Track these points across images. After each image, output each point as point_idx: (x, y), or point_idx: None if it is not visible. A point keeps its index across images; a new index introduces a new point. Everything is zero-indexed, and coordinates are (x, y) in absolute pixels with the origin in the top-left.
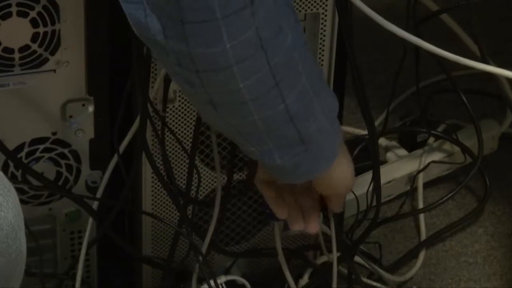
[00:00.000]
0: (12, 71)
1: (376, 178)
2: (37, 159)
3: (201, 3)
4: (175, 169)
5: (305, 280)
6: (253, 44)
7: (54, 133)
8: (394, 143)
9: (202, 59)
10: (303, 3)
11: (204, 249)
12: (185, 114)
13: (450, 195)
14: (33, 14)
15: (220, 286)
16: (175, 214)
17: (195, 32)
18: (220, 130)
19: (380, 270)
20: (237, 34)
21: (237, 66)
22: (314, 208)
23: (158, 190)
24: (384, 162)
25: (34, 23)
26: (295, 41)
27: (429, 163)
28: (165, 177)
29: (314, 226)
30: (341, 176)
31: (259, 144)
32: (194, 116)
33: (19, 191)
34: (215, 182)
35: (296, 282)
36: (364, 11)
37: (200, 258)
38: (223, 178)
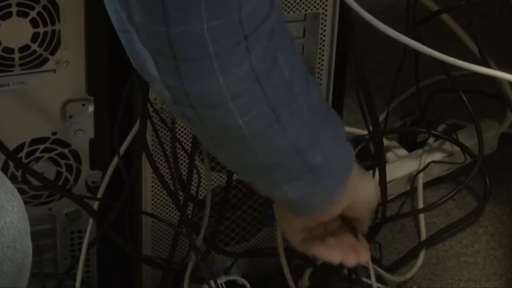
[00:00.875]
0: (12, 71)
1: (382, 179)
2: (37, 159)
3: (193, 40)
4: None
5: (305, 280)
6: (248, 79)
7: (54, 133)
8: (394, 143)
9: (197, 95)
10: (303, 3)
11: (199, 242)
12: None
13: (450, 195)
14: (33, 14)
15: (220, 286)
16: (175, 214)
17: (189, 69)
18: (226, 165)
19: (380, 270)
20: (231, 69)
21: (233, 102)
22: (353, 239)
23: (158, 190)
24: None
25: (34, 23)
26: (293, 73)
27: (429, 163)
28: (167, 177)
29: (366, 255)
30: (365, 195)
31: (267, 178)
32: None
33: (19, 191)
34: (215, 182)
35: (296, 282)
36: (363, 16)
37: (197, 257)
38: (223, 178)
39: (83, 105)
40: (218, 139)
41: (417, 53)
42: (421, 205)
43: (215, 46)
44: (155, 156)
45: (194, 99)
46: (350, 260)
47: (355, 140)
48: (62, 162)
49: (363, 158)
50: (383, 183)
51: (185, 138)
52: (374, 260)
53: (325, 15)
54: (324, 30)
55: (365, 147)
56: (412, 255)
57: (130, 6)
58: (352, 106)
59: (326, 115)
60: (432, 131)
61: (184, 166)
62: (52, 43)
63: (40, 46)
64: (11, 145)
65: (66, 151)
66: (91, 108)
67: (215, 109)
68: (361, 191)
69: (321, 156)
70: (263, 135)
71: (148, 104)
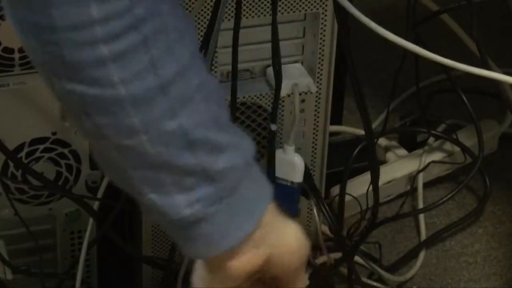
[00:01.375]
0: (12, 71)
1: (374, 179)
2: (37, 159)
3: None
4: None
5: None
6: (125, 18)
7: (54, 133)
8: (394, 143)
9: (62, 25)
10: (303, 3)
11: None
12: None
13: (450, 195)
14: None
15: None
16: None
17: None
18: (104, 165)
19: (380, 270)
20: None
21: (106, 46)
22: None
23: None
24: (384, 162)
25: None
26: (182, 37)
27: (429, 163)
28: None
29: None
30: (288, 242)
31: (155, 183)
32: None
33: (19, 191)
34: None
35: None
36: (362, 20)
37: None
38: None
39: None
40: (91, 108)
41: (417, 53)
42: (421, 205)
43: None
44: None
45: (59, 35)
46: None
47: (355, 140)
48: (62, 162)
49: (363, 158)
50: (375, 184)
51: None
52: (374, 260)
53: (325, 15)
54: (324, 30)
55: (365, 147)
56: (412, 255)
57: None
58: (352, 106)
59: (230, 122)
60: (432, 131)
61: None
62: None
63: None
64: (11, 145)
65: (66, 151)
66: None
67: (84, 50)
68: (283, 237)
69: (223, 162)
70: (145, 104)
71: None
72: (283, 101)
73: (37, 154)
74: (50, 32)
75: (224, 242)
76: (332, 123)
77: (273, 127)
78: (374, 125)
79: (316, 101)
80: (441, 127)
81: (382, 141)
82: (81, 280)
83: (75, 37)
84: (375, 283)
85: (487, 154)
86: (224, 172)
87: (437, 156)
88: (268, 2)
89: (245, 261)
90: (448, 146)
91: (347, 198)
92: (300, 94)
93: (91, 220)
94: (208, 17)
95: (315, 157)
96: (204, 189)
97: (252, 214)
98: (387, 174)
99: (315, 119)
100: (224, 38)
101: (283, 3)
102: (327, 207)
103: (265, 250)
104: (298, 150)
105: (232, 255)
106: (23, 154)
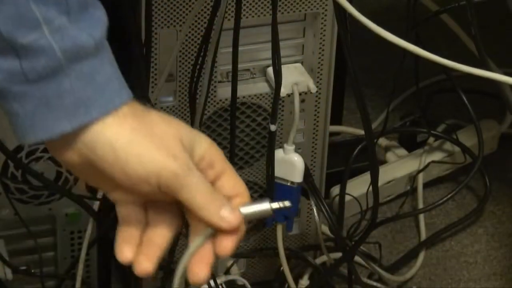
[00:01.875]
0: None
1: (374, 179)
2: (37, 159)
3: None
4: None
5: (305, 280)
6: None
7: None
8: (394, 143)
9: None
10: (303, 3)
11: None
12: (184, 114)
13: (450, 195)
14: None
15: (220, 286)
16: None
17: None
18: None
19: (380, 270)
20: None
21: None
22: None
23: None
24: (384, 162)
25: None
26: None
27: (429, 163)
28: None
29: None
30: (136, 151)
31: None
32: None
33: (19, 191)
34: None
35: (296, 282)
36: (361, 20)
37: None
38: None
39: None
40: None
41: (416, 54)
42: (421, 205)
43: None
44: None
45: None
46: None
47: (355, 140)
48: None
49: (363, 158)
50: (375, 184)
51: None
52: (374, 260)
53: (325, 15)
54: (324, 30)
55: (365, 147)
56: (412, 255)
57: None
58: (352, 106)
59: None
60: (432, 131)
61: None
62: None
63: None
64: (11, 145)
65: None
66: None
67: None
68: (128, 141)
69: (31, 38)
70: None
71: (148, 104)
72: (283, 101)
73: (37, 154)
74: None
75: (35, 133)
76: (332, 123)
77: (273, 127)
78: (374, 125)
79: (316, 101)
80: (441, 127)
81: (382, 141)
82: (81, 280)
83: None
84: (375, 283)
85: (487, 154)
86: (30, 50)
87: (437, 156)
88: (268, 2)
89: (58, 155)
90: (448, 146)
91: (347, 198)
92: (300, 94)
93: (91, 220)
94: (208, 17)
95: (315, 157)
96: (7, 60)
97: (71, 116)
98: (387, 174)
99: (315, 119)
100: (224, 38)
101: (283, 3)
102: (327, 207)
103: (77, 152)
104: (298, 150)
105: (51, 144)
106: (23, 154)
